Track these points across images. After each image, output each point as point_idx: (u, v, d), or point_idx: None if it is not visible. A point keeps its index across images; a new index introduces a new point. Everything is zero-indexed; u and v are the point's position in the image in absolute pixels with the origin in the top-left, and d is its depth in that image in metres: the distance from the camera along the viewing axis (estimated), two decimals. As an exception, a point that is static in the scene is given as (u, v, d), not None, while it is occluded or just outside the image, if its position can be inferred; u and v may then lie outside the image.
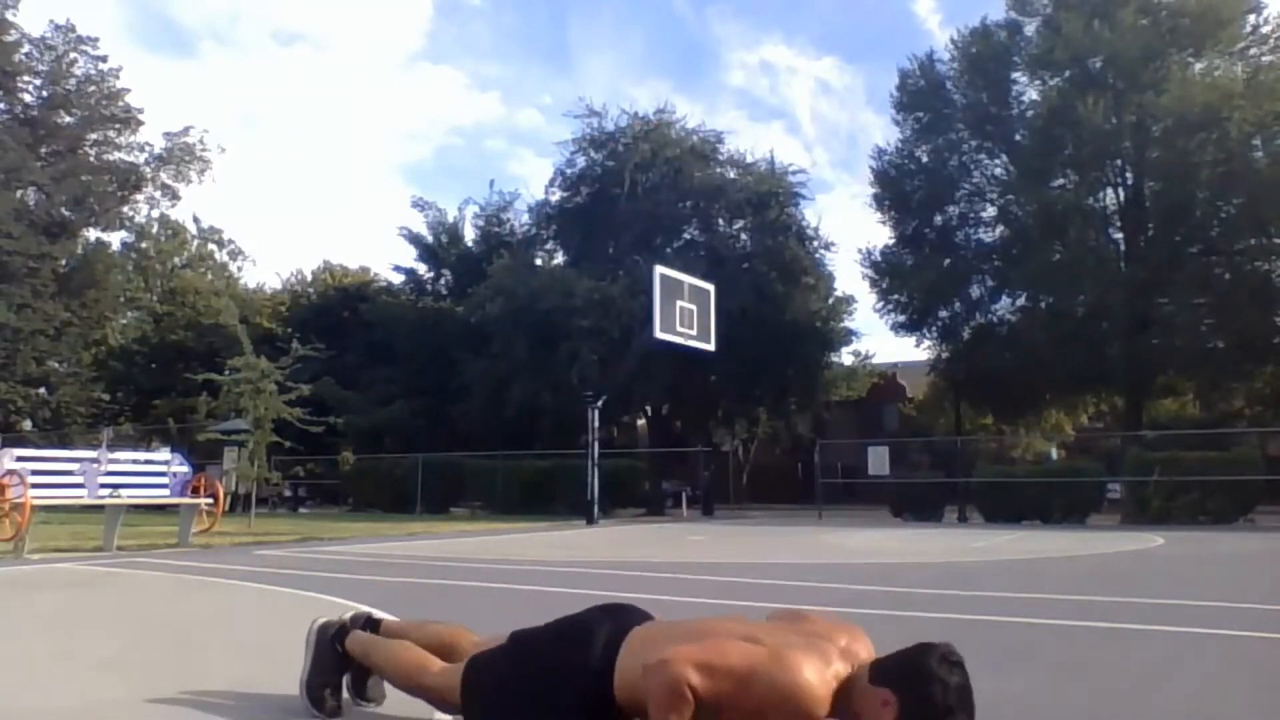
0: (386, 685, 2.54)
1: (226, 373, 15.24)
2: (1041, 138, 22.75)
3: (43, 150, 31.83)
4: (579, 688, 2.02)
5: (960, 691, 1.75)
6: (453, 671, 2.24)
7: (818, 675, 1.79)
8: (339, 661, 2.46)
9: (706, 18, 79.89)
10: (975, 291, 25.89)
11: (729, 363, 23.20)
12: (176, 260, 43.52)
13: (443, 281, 33.71)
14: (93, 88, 32.89)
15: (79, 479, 8.79)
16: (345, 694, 2.52)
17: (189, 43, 78.19)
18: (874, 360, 32.98)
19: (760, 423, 31.64)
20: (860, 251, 28.49)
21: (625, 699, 1.99)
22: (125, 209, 36.11)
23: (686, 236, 28.99)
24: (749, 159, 29.16)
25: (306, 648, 2.48)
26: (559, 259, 30.52)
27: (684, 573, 7.02)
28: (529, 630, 2.25)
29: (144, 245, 42.09)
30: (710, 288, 14.84)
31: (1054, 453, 28.79)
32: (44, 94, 32.30)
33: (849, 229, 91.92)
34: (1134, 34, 21.60)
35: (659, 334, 13.40)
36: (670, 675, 1.79)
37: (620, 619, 2.15)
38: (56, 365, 32.06)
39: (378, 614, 2.69)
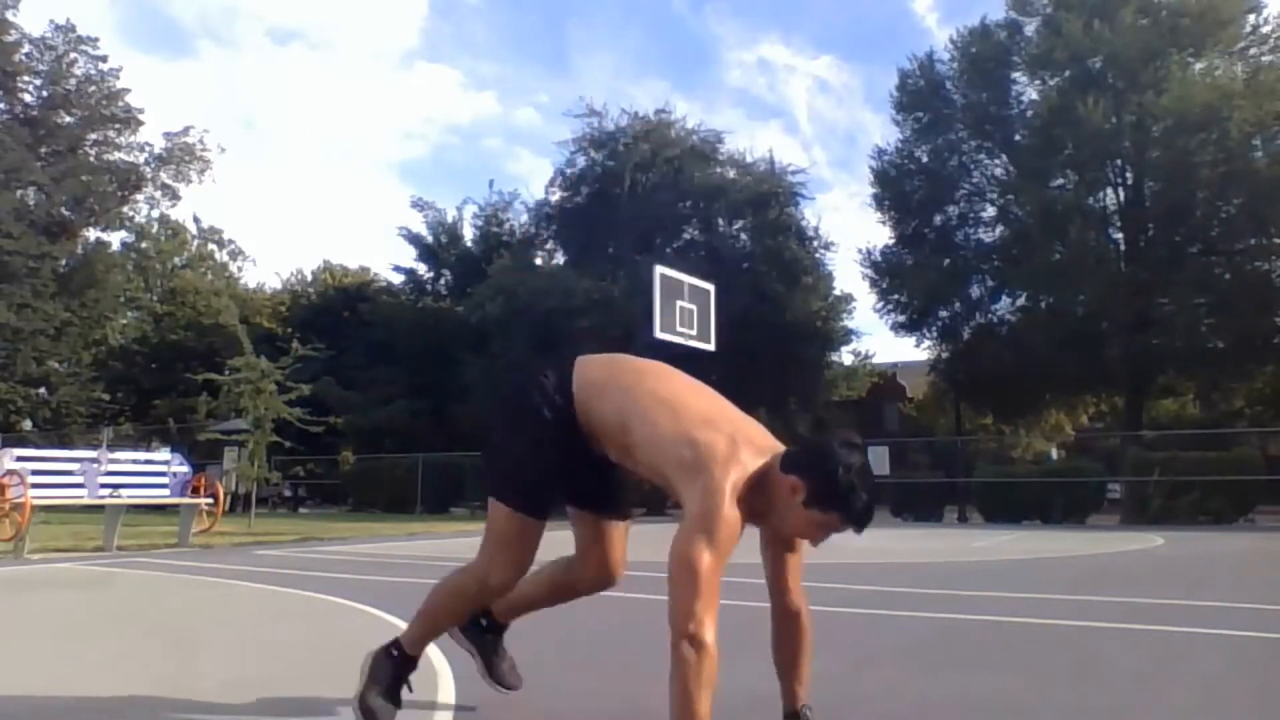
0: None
1: (226, 373, 15.23)
2: (1041, 138, 22.74)
3: (43, 150, 31.78)
4: (548, 412, 2.22)
5: (861, 471, 1.92)
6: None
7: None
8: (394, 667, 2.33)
9: (704, 16, 79.83)
10: (975, 291, 25.86)
11: (729, 363, 23.16)
12: (176, 260, 43.46)
13: (443, 281, 33.71)
14: (93, 88, 32.86)
15: (79, 479, 8.78)
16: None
17: (185, 42, 78.05)
18: (874, 360, 32.89)
19: (760, 423, 31.55)
20: (860, 251, 28.47)
21: (586, 420, 2.21)
22: (125, 209, 36.11)
23: (686, 236, 28.98)
24: (749, 159, 29.16)
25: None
26: (559, 259, 30.49)
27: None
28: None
29: (144, 245, 42.01)
30: (710, 288, 14.78)
31: (1054, 453, 28.76)
32: (44, 94, 32.26)
33: (849, 229, 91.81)
34: (1134, 34, 21.59)
35: (659, 334, 13.37)
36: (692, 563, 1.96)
37: (554, 359, 2.36)
38: (56, 365, 32.03)
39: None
